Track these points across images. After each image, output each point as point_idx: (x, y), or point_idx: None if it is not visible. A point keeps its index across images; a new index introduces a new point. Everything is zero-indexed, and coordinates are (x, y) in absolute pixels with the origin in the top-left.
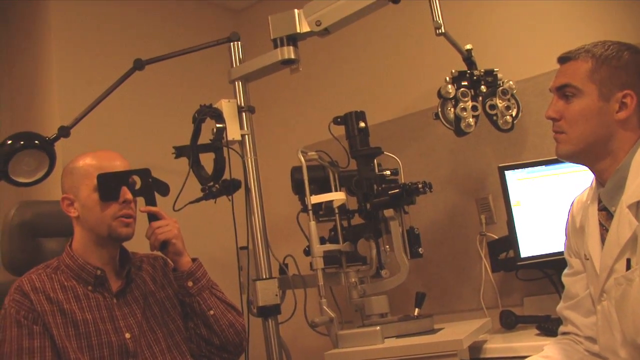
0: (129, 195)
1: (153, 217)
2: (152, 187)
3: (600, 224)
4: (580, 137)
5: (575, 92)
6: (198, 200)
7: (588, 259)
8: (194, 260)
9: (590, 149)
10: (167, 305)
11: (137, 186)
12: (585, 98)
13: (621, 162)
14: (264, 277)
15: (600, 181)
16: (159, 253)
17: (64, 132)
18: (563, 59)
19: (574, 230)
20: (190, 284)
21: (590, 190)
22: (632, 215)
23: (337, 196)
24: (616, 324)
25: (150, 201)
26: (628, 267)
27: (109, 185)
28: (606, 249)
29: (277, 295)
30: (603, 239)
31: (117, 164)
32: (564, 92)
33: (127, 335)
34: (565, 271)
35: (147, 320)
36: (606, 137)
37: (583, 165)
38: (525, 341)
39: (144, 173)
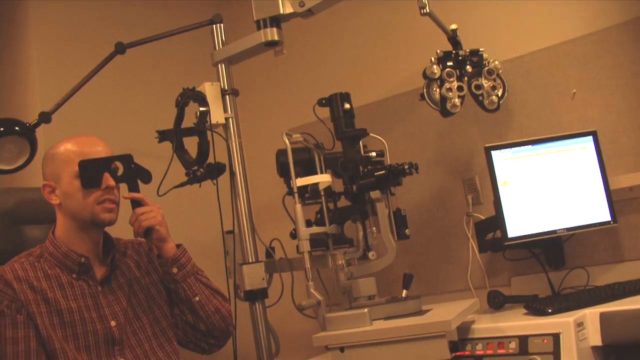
0: (112, 182)
1: (136, 203)
2: (134, 173)
3: None
4: None
5: None
6: (182, 184)
7: None
8: (178, 246)
9: None
10: (153, 292)
11: (120, 172)
12: None
13: None
14: (251, 261)
15: None
16: (144, 239)
17: (45, 117)
18: None
19: None
20: (175, 270)
21: None
22: None
23: (323, 178)
24: None
25: (133, 187)
26: None
27: (91, 171)
28: None
29: (263, 279)
30: None
31: (99, 150)
32: None
33: (113, 323)
34: None
35: (132, 307)
36: None
37: None
38: (513, 321)
39: (126, 159)
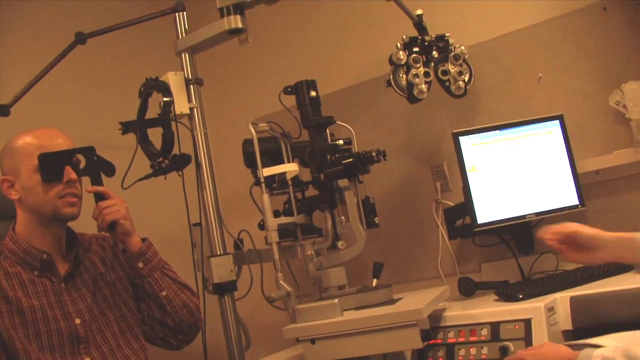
0: (73, 175)
1: (100, 196)
2: (97, 166)
3: None
4: None
5: None
6: (147, 177)
7: None
8: (143, 240)
9: None
10: (118, 287)
11: (82, 165)
12: None
13: None
14: (219, 253)
15: None
16: (108, 234)
17: (4, 110)
18: None
19: None
20: (140, 264)
21: None
22: None
23: (290, 168)
24: None
25: (96, 180)
26: None
27: (52, 165)
28: None
29: (232, 271)
30: None
31: (60, 142)
32: None
33: (77, 321)
34: None
35: (97, 304)
36: None
37: None
38: (484, 307)
39: (88, 151)
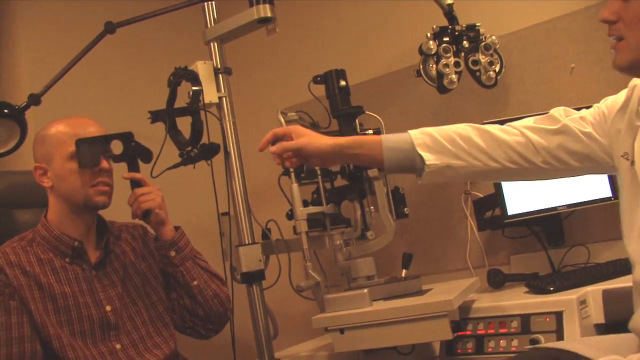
0: (105, 164)
1: (136, 183)
2: (134, 152)
3: None
4: None
5: None
6: (176, 165)
7: (630, 161)
8: (176, 228)
9: None
10: (149, 276)
11: (118, 151)
12: None
13: None
14: (247, 242)
15: None
16: (139, 222)
17: (35, 99)
18: None
19: (615, 124)
20: (172, 253)
21: (637, 95)
22: None
23: None
24: None
25: (133, 167)
26: None
27: (89, 150)
28: None
29: (260, 260)
30: None
31: (92, 130)
32: None
33: (108, 308)
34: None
35: (127, 291)
36: None
37: None
38: (514, 299)
39: (126, 137)
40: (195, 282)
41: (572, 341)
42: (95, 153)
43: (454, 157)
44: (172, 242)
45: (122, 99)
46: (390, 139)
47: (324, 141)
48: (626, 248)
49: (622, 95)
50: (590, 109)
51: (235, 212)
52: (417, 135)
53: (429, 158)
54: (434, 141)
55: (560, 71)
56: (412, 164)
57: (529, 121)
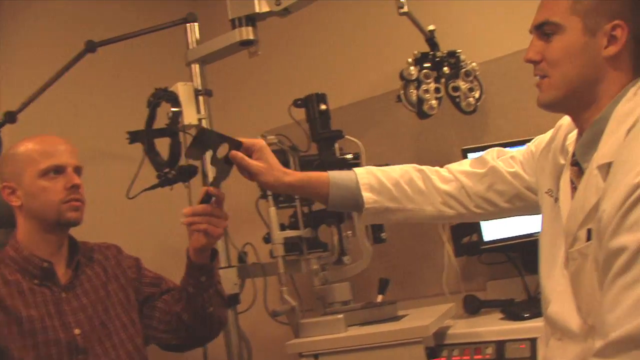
0: (77, 180)
1: (208, 198)
2: (232, 163)
3: (571, 181)
4: (565, 80)
5: (555, 29)
6: (153, 187)
7: (553, 198)
8: (213, 253)
9: (575, 95)
10: (121, 297)
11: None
12: (567, 34)
13: (601, 112)
14: (223, 266)
15: (580, 133)
16: (111, 242)
17: (10, 117)
18: None
19: (540, 162)
20: (203, 278)
21: (562, 134)
22: (601, 179)
23: None
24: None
25: (220, 180)
26: (588, 238)
27: (203, 142)
28: (571, 213)
29: (236, 284)
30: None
31: (62, 149)
32: (543, 30)
33: (77, 331)
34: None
35: (98, 314)
36: (594, 79)
37: (569, 114)
38: (489, 326)
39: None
40: (211, 309)
41: None
42: (203, 148)
43: (394, 200)
44: (208, 268)
45: (101, 119)
46: (337, 177)
47: (276, 177)
48: (542, 283)
49: (548, 134)
50: (522, 148)
51: None
52: (363, 175)
53: (369, 200)
54: (378, 182)
55: None
56: (355, 202)
57: (465, 165)
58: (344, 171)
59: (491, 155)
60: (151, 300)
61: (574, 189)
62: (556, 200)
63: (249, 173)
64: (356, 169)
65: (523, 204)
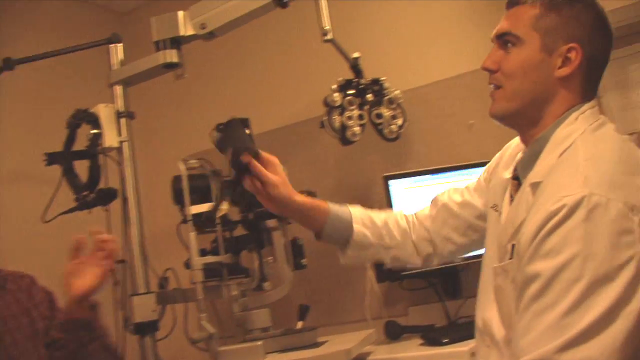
0: None
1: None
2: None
3: (510, 195)
4: (516, 93)
5: (515, 41)
6: (71, 210)
7: (498, 212)
8: (91, 307)
9: (525, 110)
10: (30, 332)
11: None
12: (525, 48)
13: (542, 132)
14: (141, 292)
15: (525, 149)
16: (25, 271)
17: None
18: (510, 3)
19: (491, 182)
20: (83, 334)
21: (512, 152)
22: (532, 196)
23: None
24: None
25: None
26: (512, 255)
27: (228, 131)
28: (504, 226)
29: (154, 310)
30: None
31: None
32: (504, 40)
33: None
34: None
35: (5, 348)
36: (544, 97)
37: (516, 130)
38: (409, 351)
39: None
40: None
41: None
42: (229, 141)
43: (380, 238)
44: (86, 322)
45: (17, 139)
46: (336, 207)
47: (290, 193)
48: (478, 293)
49: (496, 156)
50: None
51: (131, 259)
52: (356, 210)
53: (359, 232)
54: (370, 219)
55: (460, 127)
56: (345, 236)
57: (425, 209)
58: (337, 204)
59: (446, 193)
60: (55, 344)
61: (512, 202)
62: (500, 214)
63: (263, 183)
64: (349, 205)
65: (478, 235)
